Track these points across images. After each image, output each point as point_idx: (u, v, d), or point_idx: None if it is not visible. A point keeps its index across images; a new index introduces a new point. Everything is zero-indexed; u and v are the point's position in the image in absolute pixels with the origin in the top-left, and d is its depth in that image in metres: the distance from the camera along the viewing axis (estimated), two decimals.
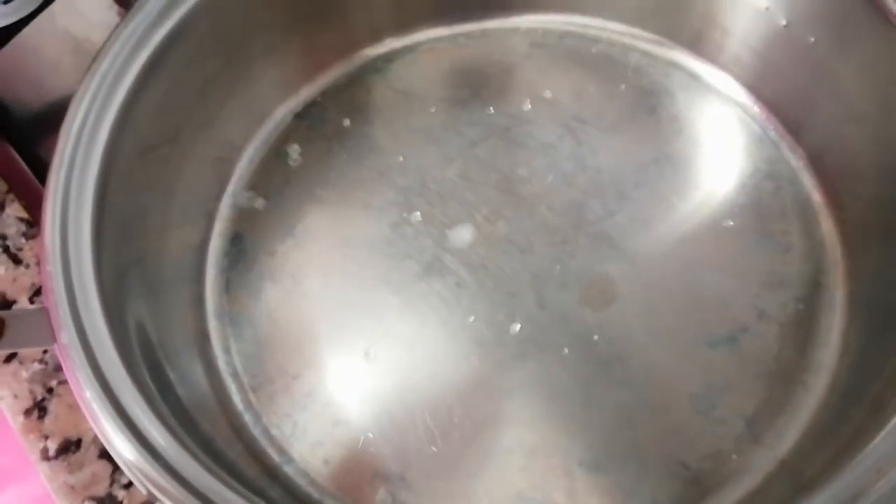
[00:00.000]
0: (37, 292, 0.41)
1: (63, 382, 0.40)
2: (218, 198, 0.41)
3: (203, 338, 0.37)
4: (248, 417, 0.36)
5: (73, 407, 0.39)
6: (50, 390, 0.39)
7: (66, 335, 0.28)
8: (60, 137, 0.32)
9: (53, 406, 0.39)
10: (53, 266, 0.29)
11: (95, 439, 0.39)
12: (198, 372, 0.36)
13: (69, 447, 0.38)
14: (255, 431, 0.36)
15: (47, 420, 0.39)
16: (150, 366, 0.31)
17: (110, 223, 0.32)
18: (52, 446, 0.38)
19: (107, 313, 0.29)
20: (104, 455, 0.38)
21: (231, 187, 0.41)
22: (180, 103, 0.37)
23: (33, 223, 0.42)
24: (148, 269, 0.35)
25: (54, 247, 0.29)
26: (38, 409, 0.39)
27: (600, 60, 0.43)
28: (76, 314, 0.28)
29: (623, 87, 0.43)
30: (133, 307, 0.33)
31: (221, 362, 0.37)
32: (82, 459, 0.38)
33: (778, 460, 0.34)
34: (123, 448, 0.27)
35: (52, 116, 0.44)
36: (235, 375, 0.37)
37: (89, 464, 0.38)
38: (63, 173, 0.31)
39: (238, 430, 0.35)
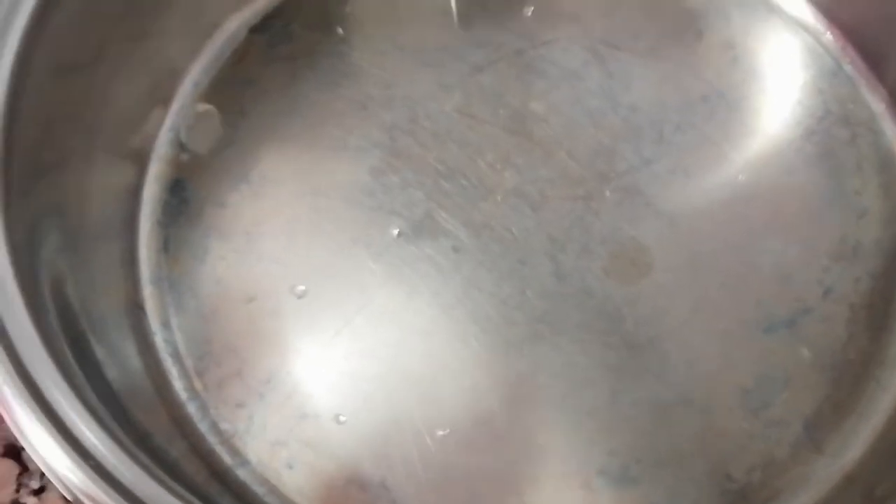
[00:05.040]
0: None
1: None
2: (154, 133, 0.40)
3: (136, 309, 0.37)
4: (192, 408, 0.36)
5: None
6: None
7: None
8: None
9: None
10: None
11: None
12: (130, 351, 0.36)
13: None
14: (202, 426, 0.36)
15: None
16: (72, 340, 0.31)
17: (21, 163, 0.31)
18: None
19: (19, 275, 0.29)
20: (9, 453, 0.39)
21: (170, 120, 0.41)
22: (105, 7, 0.36)
23: None
24: (68, 221, 0.35)
25: None
26: None
27: None
28: None
29: (664, 2, 0.42)
30: (50, 267, 0.32)
31: (159, 339, 0.37)
32: None
33: (843, 472, 0.35)
34: (44, 446, 0.27)
35: None
36: (176, 356, 0.37)
37: None
38: None
39: (180, 423, 0.35)
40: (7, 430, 0.39)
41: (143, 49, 0.39)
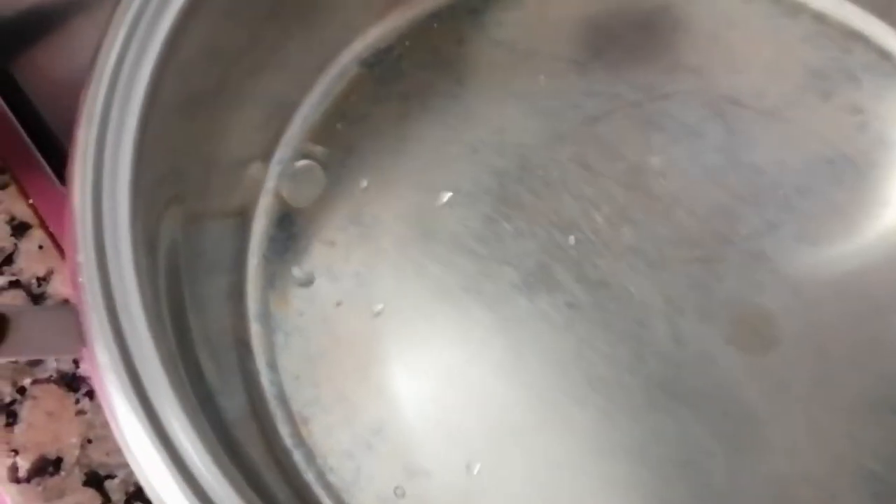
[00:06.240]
0: None
1: (39, 381, 0.40)
2: (264, 166, 0.40)
3: (243, 347, 0.37)
4: (298, 456, 0.36)
5: (54, 415, 0.39)
6: (22, 391, 0.39)
7: (106, 349, 0.27)
8: (90, 83, 0.31)
9: (26, 412, 0.39)
10: (85, 255, 0.28)
11: (80, 459, 0.39)
12: (238, 389, 0.36)
13: (46, 468, 0.38)
14: (308, 476, 0.36)
15: (18, 430, 0.39)
16: (188, 367, 0.30)
17: (147, 196, 0.31)
18: (24, 465, 0.38)
19: (147, 314, 0.28)
20: (91, 482, 0.38)
21: (279, 153, 0.41)
22: (229, 41, 0.36)
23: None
24: (183, 252, 0.35)
25: (85, 229, 0.29)
26: (7, 414, 0.39)
27: (761, 24, 0.42)
28: (115, 318, 0.28)
29: (789, 61, 0.42)
30: (169, 296, 0.32)
31: (265, 381, 0.37)
32: (62, 485, 0.38)
33: None
34: (150, 464, 0.26)
35: (28, 26, 0.45)
36: (282, 399, 0.37)
37: (71, 491, 0.38)
38: (95, 131, 0.30)
39: (286, 470, 0.35)
40: (90, 458, 0.39)
41: (259, 82, 0.39)
